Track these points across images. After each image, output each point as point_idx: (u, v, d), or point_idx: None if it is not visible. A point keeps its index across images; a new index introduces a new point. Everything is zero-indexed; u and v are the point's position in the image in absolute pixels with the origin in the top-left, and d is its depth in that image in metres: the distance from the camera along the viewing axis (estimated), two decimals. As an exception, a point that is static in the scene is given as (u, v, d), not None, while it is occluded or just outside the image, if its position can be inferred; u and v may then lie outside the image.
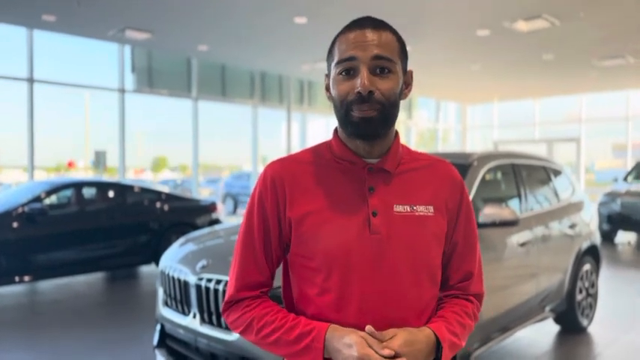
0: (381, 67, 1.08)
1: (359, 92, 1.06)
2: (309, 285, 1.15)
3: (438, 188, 1.19)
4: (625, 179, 10.53)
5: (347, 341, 1.04)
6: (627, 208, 9.13)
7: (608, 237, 9.53)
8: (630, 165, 14.30)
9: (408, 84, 1.18)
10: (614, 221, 9.36)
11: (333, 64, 1.13)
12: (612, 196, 9.47)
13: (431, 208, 1.16)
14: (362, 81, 1.06)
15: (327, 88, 1.18)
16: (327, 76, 1.18)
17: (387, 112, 1.10)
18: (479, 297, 1.29)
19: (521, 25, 8.61)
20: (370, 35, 1.09)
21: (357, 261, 1.10)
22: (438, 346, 1.11)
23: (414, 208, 1.14)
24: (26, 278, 5.84)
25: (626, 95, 16.13)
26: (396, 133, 1.21)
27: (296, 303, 1.20)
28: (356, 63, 1.08)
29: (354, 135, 1.12)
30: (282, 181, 1.16)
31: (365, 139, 1.13)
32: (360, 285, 1.10)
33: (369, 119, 1.08)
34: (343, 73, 1.10)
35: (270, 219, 1.17)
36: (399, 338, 1.05)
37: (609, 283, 6.37)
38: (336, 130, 1.21)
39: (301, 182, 1.16)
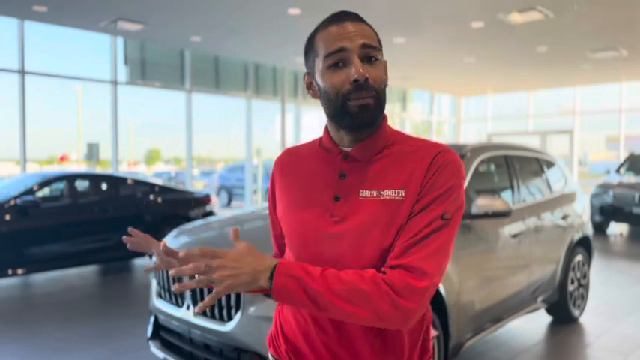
0: (369, 56, 1.11)
1: (356, 80, 1.07)
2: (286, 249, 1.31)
3: (414, 171, 1.12)
4: (617, 171, 10.60)
5: None
6: (619, 200, 9.20)
7: (600, 228, 9.60)
8: (623, 157, 14.38)
9: (386, 72, 1.20)
10: (606, 213, 9.42)
11: (318, 59, 1.14)
12: (605, 188, 9.53)
13: (402, 192, 1.11)
14: (357, 69, 1.08)
15: (309, 86, 1.20)
16: (309, 74, 1.19)
17: (380, 98, 1.13)
18: (405, 267, 1.04)
19: (516, 17, 8.61)
20: (352, 27, 1.12)
21: (314, 242, 1.16)
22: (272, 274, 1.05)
23: (381, 192, 1.12)
24: (19, 271, 5.82)
25: (619, 88, 16.19)
26: (383, 120, 1.21)
27: None
28: (346, 54, 1.09)
29: (352, 126, 1.13)
30: (281, 167, 1.31)
31: (362, 128, 1.14)
32: (310, 259, 1.15)
33: (366, 106, 1.10)
34: (333, 66, 1.11)
35: (271, 199, 1.37)
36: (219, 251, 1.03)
37: (601, 273, 6.42)
38: (326, 126, 1.25)
39: (292, 169, 1.28)
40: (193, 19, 8.87)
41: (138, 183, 7.19)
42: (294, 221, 1.22)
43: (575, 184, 5.05)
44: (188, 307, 2.98)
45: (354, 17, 1.15)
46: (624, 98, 16.26)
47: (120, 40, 10.99)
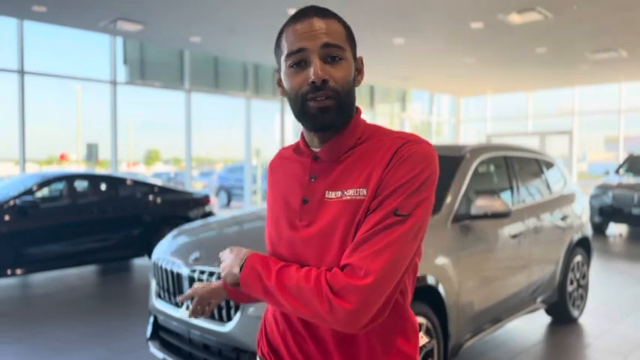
0: (332, 56, 1.07)
1: (313, 82, 1.05)
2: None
3: (376, 167, 1.08)
4: (617, 172, 10.60)
5: None
6: (619, 201, 9.20)
7: (599, 229, 9.60)
8: (622, 158, 14.39)
9: (359, 70, 1.17)
10: (605, 213, 9.43)
11: (282, 58, 1.11)
12: (604, 188, 9.53)
13: (364, 191, 1.06)
14: (315, 70, 1.05)
15: (279, 84, 1.18)
16: (278, 71, 1.17)
17: (342, 100, 1.09)
18: (350, 266, 1.00)
19: (515, 18, 8.61)
20: (317, 24, 1.08)
21: (285, 246, 1.16)
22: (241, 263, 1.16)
23: (345, 192, 1.09)
24: (18, 271, 5.81)
25: (619, 88, 16.20)
26: (355, 118, 1.16)
27: None
28: (306, 54, 1.07)
29: (312, 128, 1.13)
30: (270, 169, 1.33)
31: (323, 130, 1.12)
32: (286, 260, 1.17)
33: (325, 109, 1.07)
34: (294, 66, 1.09)
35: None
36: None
37: (600, 274, 6.42)
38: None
39: (275, 175, 1.30)
40: (193, 19, 8.87)
41: (137, 183, 7.18)
42: (271, 225, 1.23)
43: (575, 184, 5.05)
44: (187, 308, 2.98)
45: (322, 12, 1.11)
46: (623, 99, 16.27)
47: (119, 40, 10.99)
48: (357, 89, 1.18)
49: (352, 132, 1.15)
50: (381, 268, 0.98)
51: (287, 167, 1.26)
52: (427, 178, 1.05)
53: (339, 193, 1.10)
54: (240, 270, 1.14)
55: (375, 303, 0.99)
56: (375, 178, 1.06)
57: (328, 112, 1.08)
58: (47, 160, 12.98)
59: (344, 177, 1.12)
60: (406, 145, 1.08)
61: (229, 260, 1.19)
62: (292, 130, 14.51)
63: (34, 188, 6.14)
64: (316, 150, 1.17)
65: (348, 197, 1.08)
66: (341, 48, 1.08)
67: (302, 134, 1.22)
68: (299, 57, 1.07)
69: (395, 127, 18.74)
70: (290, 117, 14.46)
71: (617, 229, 10.38)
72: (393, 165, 1.05)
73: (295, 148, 1.24)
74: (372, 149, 1.12)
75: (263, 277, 1.09)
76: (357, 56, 1.17)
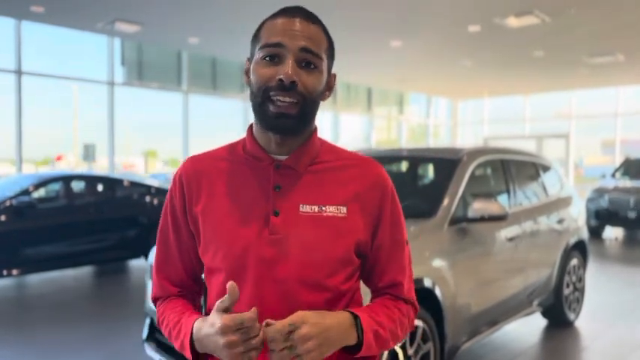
0: (307, 61, 1.03)
1: (281, 80, 1.00)
2: (209, 285, 1.13)
3: (356, 189, 1.11)
4: (613, 175, 10.63)
5: (211, 320, 0.96)
6: (615, 204, 9.22)
7: (595, 232, 9.62)
8: (618, 161, 14.44)
9: (330, 87, 1.13)
10: (601, 217, 9.45)
11: (257, 47, 1.06)
12: (600, 192, 9.55)
13: (344, 209, 1.08)
14: (286, 69, 1.00)
15: (247, 73, 1.11)
16: (249, 60, 1.10)
17: (306, 107, 1.04)
18: (411, 303, 1.19)
19: (512, 22, 8.64)
20: (300, 25, 1.04)
21: (253, 262, 1.05)
22: (358, 331, 1.03)
23: (323, 208, 1.08)
24: (14, 272, 5.79)
25: (616, 92, 16.26)
26: (314, 129, 1.15)
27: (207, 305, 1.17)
28: (283, 51, 1.02)
29: (267, 127, 1.06)
30: (191, 178, 1.14)
31: (279, 133, 1.06)
32: (254, 287, 1.05)
33: (286, 115, 1.02)
34: (267, 59, 1.03)
35: (180, 218, 1.15)
36: (295, 318, 0.95)
37: (596, 277, 6.44)
38: (251, 126, 1.15)
39: (210, 179, 1.13)
40: (191, 20, 8.87)
41: (134, 184, 7.17)
42: (226, 241, 1.08)
43: (571, 188, 5.07)
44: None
45: (309, 15, 1.07)
46: (620, 102, 16.32)
47: (117, 41, 10.98)
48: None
49: (314, 145, 1.13)
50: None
51: (230, 171, 1.13)
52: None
53: (315, 208, 1.08)
54: (360, 336, 1.03)
55: None
56: (359, 200, 1.11)
57: (287, 118, 1.03)
58: (44, 160, 12.95)
59: (319, 191, 1.09)
60: (378, 171, 1.16)
61: (330, 333, 0.98)
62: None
63: (31, 189, 6.12)
64: (277, 157, 1.10)
65: (329, 214, 1.07)
66: (318, 57, 1.04)
67: (251, 135, 1.14)
68: (274, 51, 1.03)
69: (393, 130, 18.78)
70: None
71: (613, 233, 10.41)
72: (378, 192, 1.13)
73: (243, 150, 1.14)
74: (344, 166, 1.14)
75: (380, 335, 1.07)
76: (332, 72, 1.14)
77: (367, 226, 1.11)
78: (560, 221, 4.43)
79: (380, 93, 16.93)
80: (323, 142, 1.18)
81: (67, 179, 6.60)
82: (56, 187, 6.57)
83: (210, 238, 1.10)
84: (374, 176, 1.14)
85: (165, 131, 14.22)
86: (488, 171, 4.14)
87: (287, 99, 1.01)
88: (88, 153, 10.71)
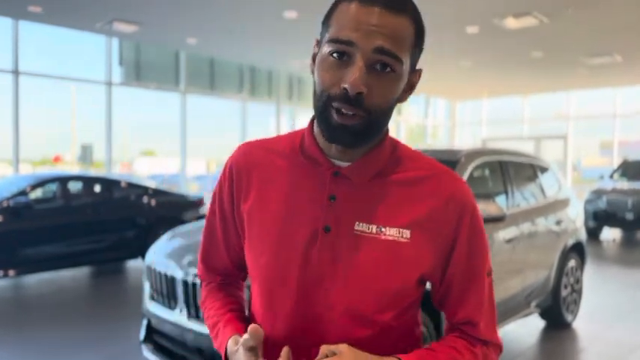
0: (382, 63, 0.85)
1: (345, 89, 0.84)
2: (252, 285, 1.05)
3: (426, 208, 0.93)
4: (611, 177, 10.65)
5: (238, 357, 0.91)
6: (613, 206, 9.23)
7: (593, 234, 9.63)
8: (616, 163, 14.45)
9: (412, 85, 0.96)
10: (599, 218, 9.46)
11: (326, 37, 0.89)
12: (598, 193, 9.56)
13: (407, 233, 0.92)
14: (353, 77, 0.83)
15: (314, 59, 0.94)
16: (318, 43, 0.93)
17: (373, 120, 0.88)
18: (490, 345, 1.02)
19: (511, 23, 8.64)
20: (380, 18, 0.84)
21: (294, 282, 0.94)
22: None
23: (382, 229, 0.92)
24: (11, 273, 5.77)
25: (614, 93, 16.28)
26: (385, 134, 0.98)
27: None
28: (353, 50, 0.84)
29: (327, 138, 0.91)
30: (241, 171, 1.03)
31: (340, 145, 0.92)
32: (291, 309, 0.95)
33: (349, 127, 0.87)
34: (335, 55, 0.86)
35: (227, 210, 1.06)
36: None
37: (594, 279, 6.43)
38: (312, 121, 0.99)
39: (262, 176, 1.01)
40: (189, 20, 8.86)
41: (131, 185, 7.16)
42: (269, 252, 0.97)
43: (569, 189, 5.07)
44: (181, 311, 2.96)
45: (391, 4, 0.85)
46: (618, 103, 16.35)
47: (115, 41, 10.96)
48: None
49: (384, 152, 0.97)
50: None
51: (284, 171, 1.00)
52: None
53: (373, 228, 0.92)
54: None
55: None
56: (429, 222, 0.93)
57: (349, 132, 0.87)
58: (41, 160, 12.92)
59: (377, 208, 0.93)
60: (456, 186, 0.96)
61: None
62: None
63: (28, 189, 6.10)
64: (338, 163, 0.95)
65: (389, 237, 0.92)
66: (397, 59, 0.86)
67: (311, 134, 0.98)
68: (343, 49, 0.85)
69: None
70: (285, 119, 14.45)
71: (611, 234, 10.42)
72: (455, 214, 0.94)
73: (301, 148, 0.99)
74: (412, 181, 0.95)
75: None
76: (417, 68, 0.96)
77: (437, 255, 0.95)
78: (558, 223, 4.43)
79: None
80: (398, 148, 1.00)
81: (64, 180, 6.59)
82: (53, 187, 6.55)
83: (254, 243, 1.00)
84: (450, 192, 0.95)
85: (163, 131, 14.20)
86: (487, 172, 4.13)
87: (351, 112, 0.86)
88: (86, 153, 10.69)
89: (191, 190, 13.46)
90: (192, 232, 3.64)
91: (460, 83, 15.43)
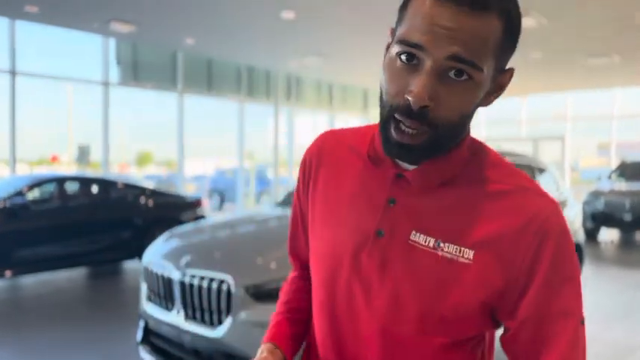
0: (458, 70, 0.73)
1: (408, 101, 0.73)
2: (312, 278, 1.01)
3: (498, 228, 0.78)
4: (609, 178, 10.66)
5: None
6: (611, 207, 9.24)
7: (591, 235, 9.63)
8: (614, 164, 14.48)
9: (501, 86, 0.82)
10: (597, 219, 9.46)
11: (397, 33, 0.78)
12: (596, 194, 9.58)
13: (470, 253, 0.78)
14: (417, 87, 0.72)
15: (387, 48, 0.83)
16: (393, 33, 0.82)
17: (441, 136, 0.76)
18: None
19: (509, 23, 8.64)
20: (456, 20, 0.71)
21: (342, 289, 0.88)
22: None
23: (440, 245, 0.80)
24: (7, 273, 5.74)
25: (612, 94, 16.32)
26: (465, 136, 0.85)
27: None
28: (422, 54, 0.73)
29: (386, 153, 0.82)
30: (312, 160, 0.98)
31: (402, 160, 0.83)
32: (338, 316, 0.89)
33: (409, 147, 0.77)
34: (403, 57, 0.75)
35: (302, 199, 1.02)
36: None
37: (592, 280, 6.43)
38: None
39: (330, 167, 0.95)
40: (187, 21, 8.84)
41: (128, 186, 7.15)
42: (323, 253, 0.92)
43: (567, 190, 5.06)
44: (178, 312, 2.94)
45: (471, 3, 0.71)
46: (616, 105, 16.38)
47: (112, 41, 10.93)
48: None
49: (458, 157, 0.84)
50: None
51: (350, 165, 0.93)
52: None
53: (430, 241, 0.81)
54: None
55: None
56: (499, 245, 0.78)
57: (410, 150, 0.77)
58: (38, 161, 12.89)
59: (439, 219, 0.82)
60: (550, 218, 0.78)
61: None
62: (286, 134, 14.48)
63: (25, 190, 6.08)
64: (403, 165, 0.85)
65: (447, 255, 0.79)
66: (474, 66, 0.73)
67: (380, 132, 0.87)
68: (413, 52, 0.74)
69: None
70: (283, 120, 14.44)
71: (609, 235, 10.43)
72: (534, 240, 0.77)
73: (370, 147, 0.90)
74: (485, 194, 0.81)
75: None
76: (508, 68, 0.83)
77: (507, 285, 0.79)
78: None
79: (376, 94, 16.92)
80: (479, 153, 0.86)
81: (61, 180, 6.57)
82: (50, 188, 6.53)
83: (314, 235, 0.96)
84: (532, 212, 0.78)
85: (160, 132, 14.19)
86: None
87: (411, 129, 0.75)
88: (83, 154, 10.66)
89: (188, 190, 13.46)
90: (190, 233, 3.62)
91: (458, 84, 15.43)
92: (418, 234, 0.82)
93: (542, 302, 0.78)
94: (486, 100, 0.82)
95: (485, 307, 0.80)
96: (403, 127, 0.76)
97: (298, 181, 1.03)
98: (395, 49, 0.77)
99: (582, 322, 0.81)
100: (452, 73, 0.73)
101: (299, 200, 1.04)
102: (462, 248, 0.79)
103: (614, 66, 12.15)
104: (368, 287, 0.85)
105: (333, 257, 0.89)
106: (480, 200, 0.81)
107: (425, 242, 0.81)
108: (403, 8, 0.79)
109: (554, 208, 0.80)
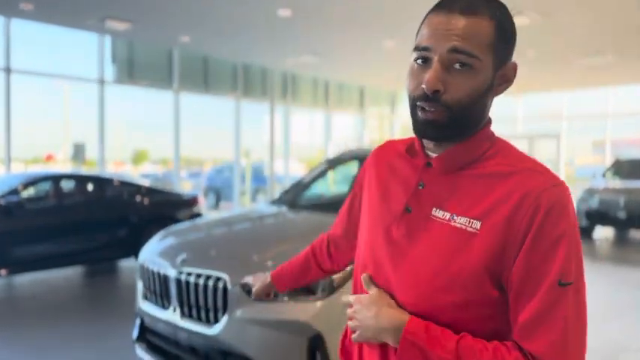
0: (461, 62, 0.93)
1: (424, 89, 0.95)
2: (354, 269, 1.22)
3: (502, 203, 0.93)
4: (603, 176, 10.70)
5: None
6: (605, 205, 9.27)
7: (586, 233, 9.67)
8: (609, 162, 14.54)
9: (507, 78, 1.03)
10: (592, 217, 9.50)
11: (414, 46, 1.00)
12: (591, 192, 9.61)
13: (477, 224, 0.93)
14: (429, 77, 0.93)
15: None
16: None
17: (456, 114, 0.95)
18: (532, 357, 0.89)
19: (504, 22, 8.65)
20: (455, 22, 0.93)
21: (377, 257, 1.06)
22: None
23: (454, 218, 0.97)
24: (2, 272, 5.73)
25: (606, 93, 16.37)
26: (480, 129, 1.04)
27: None
28: (429, 54, 0.95)
29: (417, 135, 1.04)
30: (367, 167, 1.23)
31: (429, 140, 1.03)
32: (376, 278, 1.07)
33: (432, 122, 0.96)
34: (419, 61, 0.98)
35: (356, 206, 1.30)
36: (359, 299, 1.05)
37: (586, 278, 6.45)
38: None
39: (381, 170, 1.17)
40: (182, 18, 8.82)
41: (124, 184, 7.13)
42: (367, 226, 1.13)
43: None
44: (174, 310, 2.95)
45: (469, 7, 0.94)
46: (611, 103, 16.44)
47: (108, 39, 10.90)
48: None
49: (476, 145, 1.02)
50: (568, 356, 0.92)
51: (395, 163, 1.14)
52: (577, 235, 0.95)
53: (447, 215, 0.98)
54: (397, 342, 0.95)
55: None
56: (501, 215, 0.91)
57: (434, 126, 0.97)
58: (33, 159, 12.84)
59: (456, 197, 0.99)
60: (534, 183, 0.92)
61: (368, 319, 1.00)
62: (281, 132, 14.47)
63: (20, 188, 6.06)
64: (432, 155, 1.05)
65: (458, 225, 0.96)
66: (473, 56, 0.93)
67: None
68: (423, 54, 0.96)
69: (385, 129, 18.80)
70: (279, 118, 14.43)
71: (603, 233, 10.47)
72: (529, 210, 0.90)
73: (409, 146, 1.12)
74: (496, 174, 0.97)
75: (431, 356, 0.91)
76: (511, 62, 1.03)
77: (507, 253, 0.91)
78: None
79: (372, 92, 16.94)
80: (496, 145, 1.05)
81: (56, 179, 6.55)
82: (46, 186, 6.51)
83: (362, 222, 1.18)
84: (528, 188, 0.92)
85: (156, 130, 14.16)
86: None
87: (431, 109, 0.96)
88: (78, 152, 10.63)
89: (185, 188, 13.44)
90: (186, 230, 3.62)
91: (454, 82, 15.45)
92: (438, 210, 1.00)
93: (529, 264, 0.90)
94: (497, 90, 1.03)
95: (487, 272, 0.92)
96: (425, 108, 0.96)
97: (357, 181, 1.28)
98: (412, 57, 0.99)
99: (564, 284, 0.92)
100: (457, 65, 0.93)
101: (354, 194, 1.32)
102: (471, 220, 0.95)
103: (608, 65, 12.19)
104: (389, 259, 1.03)
105: (373, 232, 1.09)
106: (491, 180, 0.97)
107: (442, 216, 0.99)
108: (418, 32, 1.01)
109: (554, 183, 0.93)
